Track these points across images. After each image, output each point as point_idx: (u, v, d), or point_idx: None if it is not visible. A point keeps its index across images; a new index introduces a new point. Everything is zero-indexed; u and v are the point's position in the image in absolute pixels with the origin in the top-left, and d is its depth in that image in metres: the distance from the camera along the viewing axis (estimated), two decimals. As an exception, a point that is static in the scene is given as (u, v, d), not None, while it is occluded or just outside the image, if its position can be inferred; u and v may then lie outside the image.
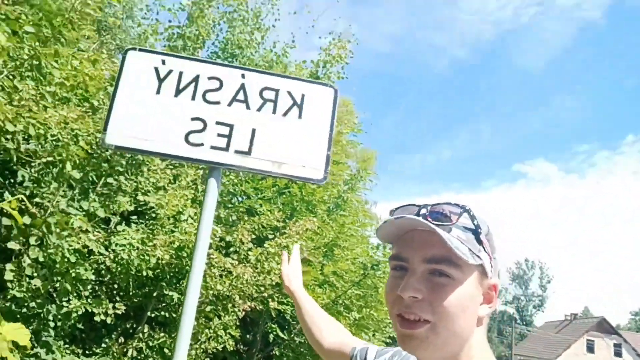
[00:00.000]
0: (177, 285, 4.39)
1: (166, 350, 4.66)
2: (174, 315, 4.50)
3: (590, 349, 35.40)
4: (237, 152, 2.23)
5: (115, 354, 4.08)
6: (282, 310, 6.23)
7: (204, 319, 4.77)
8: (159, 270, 4.23)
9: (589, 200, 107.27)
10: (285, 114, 2.33)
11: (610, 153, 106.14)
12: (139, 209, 4.57)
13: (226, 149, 2.24)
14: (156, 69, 2.28)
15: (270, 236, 5.33)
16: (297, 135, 2.30)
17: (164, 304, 4.63)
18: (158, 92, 2.27)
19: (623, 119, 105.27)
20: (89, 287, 4.01)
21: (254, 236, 5.00)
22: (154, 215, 4.36)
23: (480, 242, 0.84)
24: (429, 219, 0.83)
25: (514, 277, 63.16)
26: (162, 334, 4.44)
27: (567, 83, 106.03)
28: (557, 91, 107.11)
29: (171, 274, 4.35)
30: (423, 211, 0.86)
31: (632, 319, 67.77)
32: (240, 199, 6.34)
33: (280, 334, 6.70)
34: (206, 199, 2.16)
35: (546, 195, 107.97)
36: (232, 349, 5.41)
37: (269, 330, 6.76)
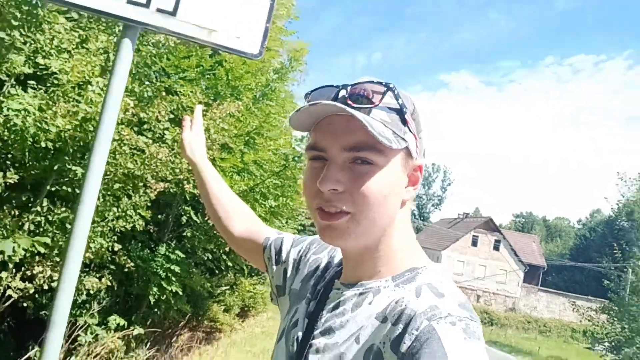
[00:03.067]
0: (82, 160, 4.01)
1: (68, 226, 4.39)
2: (78, 190, 4.17)
3: (475, 243, 40.16)
4: (159, 10, 1.87)
5: (8, 227, 3.73)
6: (198, 194, 6.09)
7: (111, 197, 4.49)
8: (60, 143, 3.80)
9: (501, 113, 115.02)
10: (220, -28, 1.96)
11: (529, 71, 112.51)
12: (38, 73, 3.97)
13: (146, 5, 1.87)
14: None
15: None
16: (233, 0, 1.96)
17: (66, 179, 4.25)
18: None
19: (546, 39, 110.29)
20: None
21: (172, 116, 4.61)
22: (55, 82, 3.80)
23: (405, 122, 0.78)
24: (349, 102, 0.75)
25: (419, 178, 68.11)
26: (63, 209, 4.12)
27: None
28: (492, 4, 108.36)
29: (75, 148, 3.94)
30: (342, 93, 0.77)
31: (513, 220, 76.81)
32: (158, 75, 5.77)
33: (194, 217, 6.62)
34: (118, 60, 1.82)
35: (465, 104, 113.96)
36: (141, 228, 5.26)
37: (182, 213, 6.64)
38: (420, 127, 0.83)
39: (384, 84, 0.77)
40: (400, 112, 0.77)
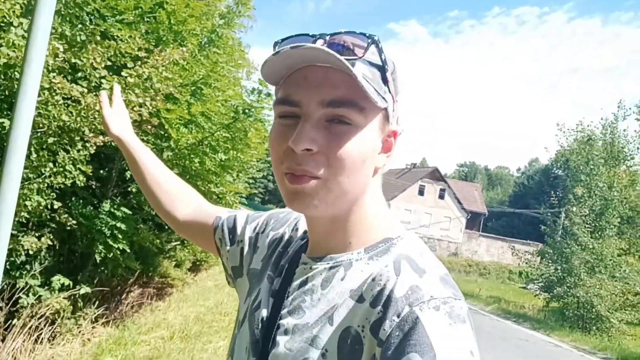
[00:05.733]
0: (8, 112, 3.65)
1: None
2: (5, 144, 3.82)
3: (421, 192, 41.85)
4: (84, -63, 1.63)
5: None
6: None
7: (46, 152, 4.17)
8: (-18, 92, 3.43)
9: (448, 65, 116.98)
10: None
11: (476, 22, 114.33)
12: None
13: None
14: None
15: (130, 66, 4.62)
16: None
17: (-7, 132, 3.88)
18: None
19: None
20: None
21: (109, 63, 4.25)
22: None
23: (386, 81, 0.71)
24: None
25: (369, 130, 69.28)
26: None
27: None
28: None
29: (0, 97, 3.57)
30: (319, 43, 0.69)
31: (457, 169, 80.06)
32: (92, 18, 5.28)
33: (139, 172, 6.33)
34: (39, -3, 1.59)
35: (413, 56, 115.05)
36: (83, 184, 4.96)
37: (126, 168, 6.33)
38: (398, 90, 0.76)
39: (367, 35, 0.69)
40: (382, 69, 0.70)
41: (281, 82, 0.72)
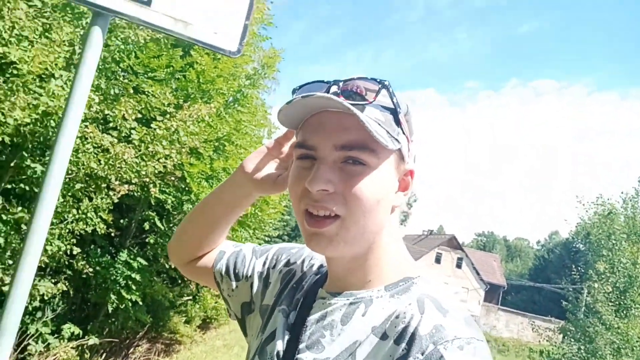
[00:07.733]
0: (42, 157, 3.81)
1: (24, 227, 4.16)
2: (36, 189, 3.96)
3: (438, 260, 40.84)
4: (133, -1, 1.79)
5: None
6: (163, 200, 5.91)
7: (71, 198, 4.29)
8: (19, 138, 3.60)
9: (465, 133, 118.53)
10: (199, -36, 1.89)
11: (493, 93, 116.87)
12: (-4, 63, 3.77)
13: (119, -8, 1.78)
14: None
15: (159, 119, 4.83)
16: (212, -6, 1.89)
17: (24, 177, 4.03)
18: None
19: (511, 62, 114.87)
20: None
21: (139, 116, 4.46)
22: (15, 72, 3.61)
23: (398, 123, 0.74)
24: (342, 98, 0.70)
25: (385, 195, 69.21)
26: (19, 209, 3.90)
27: (470, 18, 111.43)
28: (460, 25, 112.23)
29: (35, 143, 3.74)
30: (334, 89, 0.73)
31: (475, 238, 78.51)
32: (125, 73, 5.60)
33: (158, 223, 6.40)
34: (87, 50, 1.72)
35: (430, 123, 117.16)
36: (103, 232, 5.04)
37: (146, 218, 6.42)
38: (412, 130, 0.79)
39: (378, 80, 0.72)
40: (394, 111, 0.73)
41: (300, 126, 0.76)
